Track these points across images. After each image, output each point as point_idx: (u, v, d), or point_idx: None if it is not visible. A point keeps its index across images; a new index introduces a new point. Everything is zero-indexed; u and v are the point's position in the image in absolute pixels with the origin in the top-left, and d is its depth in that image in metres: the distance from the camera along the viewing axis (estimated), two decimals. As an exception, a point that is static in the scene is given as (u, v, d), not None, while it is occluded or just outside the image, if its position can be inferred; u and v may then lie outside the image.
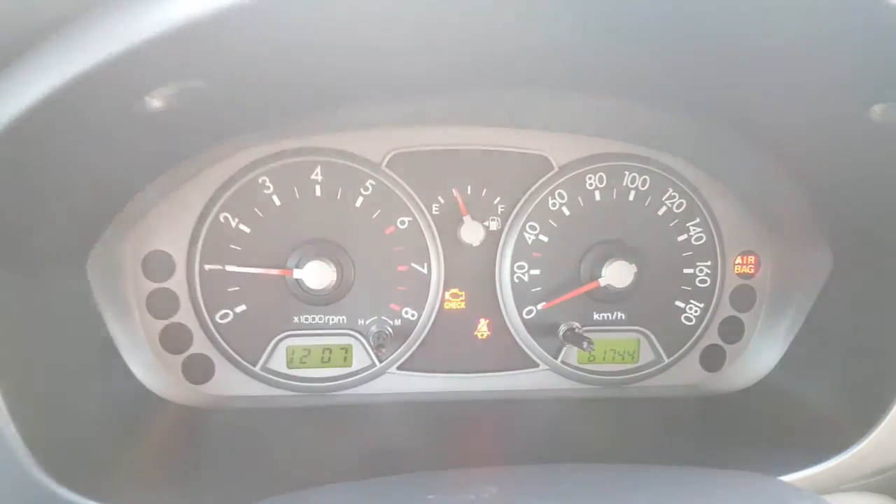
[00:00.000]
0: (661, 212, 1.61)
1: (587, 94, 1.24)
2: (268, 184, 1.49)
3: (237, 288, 1.50)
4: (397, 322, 1.57)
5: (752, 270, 1.66)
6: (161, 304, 1.49)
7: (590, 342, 1.48)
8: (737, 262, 1.65)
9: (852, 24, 0.75)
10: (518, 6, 0.81)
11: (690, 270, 1.63)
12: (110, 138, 0.94)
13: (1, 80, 0.74)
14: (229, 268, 1.48)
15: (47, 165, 0.90)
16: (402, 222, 1.54)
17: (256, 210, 1.49)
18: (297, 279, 1.47)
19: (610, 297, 1.60)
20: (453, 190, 1.56)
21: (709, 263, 1.63)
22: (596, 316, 1.62)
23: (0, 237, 0.97)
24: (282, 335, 1.53)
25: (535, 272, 1.60)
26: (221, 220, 1.48)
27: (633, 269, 1.55)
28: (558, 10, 0.82)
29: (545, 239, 1.59)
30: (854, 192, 1.27)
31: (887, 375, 1.22)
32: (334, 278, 1.47)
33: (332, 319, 1.54)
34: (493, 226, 1.58)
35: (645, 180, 1.60)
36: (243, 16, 0.68)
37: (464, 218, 1.54)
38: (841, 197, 1.33)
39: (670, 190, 1.60)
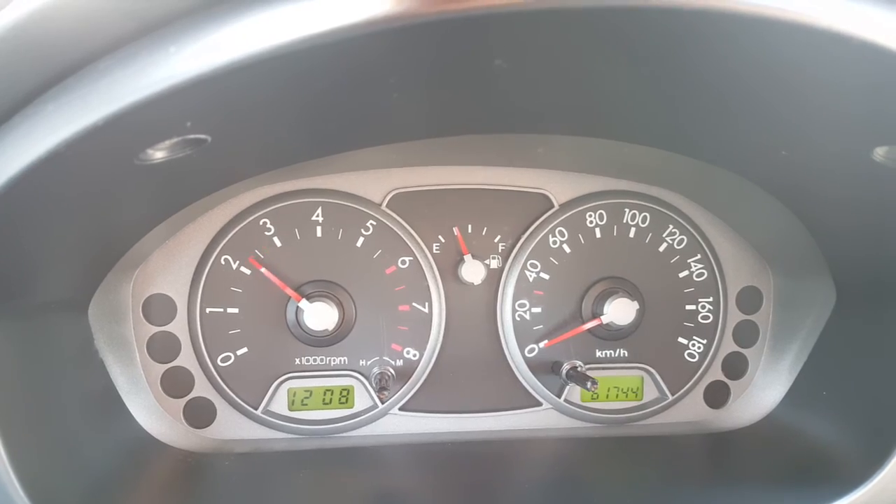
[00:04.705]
0: (661, 248, 1.61)
1: (590, 137, 1.25)
2: (269, 226, 1.49)
3: (238, 330, 1.49)
4: (399, 362, 1.56)
5: (755, 305, 1.66)
6: (162, 347, 1.48)
7: (593, 382, 1.47)
8: (739, 298, 1.65)
9: (855, 68, 0.76)
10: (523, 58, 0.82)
11: (692, 307, 1.63)
12: (113, 190, 0.95)
13: (2, 135, 0.74)
14: (252, 260, 1.47)
15: (49, 219, 0.90)
16: (403, 262, 1.54)
17: (257, 252, 1.49)
18: (298, 320, 1.47)
19: (612, 335, 1.60)
20: (454, 229, 1.56)
21: (711, 300, 1.63)
22: (598, 353, 1.62)
23: (3, 288, 0.96)
24: (283, 377, 1.52)
25: (537, 310, 1.59)
26: (222, 262, 1.48)
27: (635, 306, 1.54)
28: (564, 62, 0.83)
29: (546, 277, 1.59)
30: (857, 231, 1.27)
31: (894, 411, 1.21)
32: (336, 319, 1.46)
33: (334, 361, 1.54)
34: (494, 264, 1.58)
35: (645, 217, 1.60)
36: (246, 72, 0.68)
37: (465, 257, 1.54)
38: (844, 236, 1.33)
39: (671, 226, 1.61)
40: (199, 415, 1.51)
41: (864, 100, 0.85)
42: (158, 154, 0.88)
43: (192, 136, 0.85)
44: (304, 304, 1.44)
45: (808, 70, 0.79)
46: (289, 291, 1.46)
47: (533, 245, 1.57)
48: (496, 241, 1.58)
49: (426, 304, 1.55)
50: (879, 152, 0.95)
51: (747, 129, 1.06)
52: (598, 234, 1.59)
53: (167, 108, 0.72)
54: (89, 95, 0.70)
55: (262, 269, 1.47)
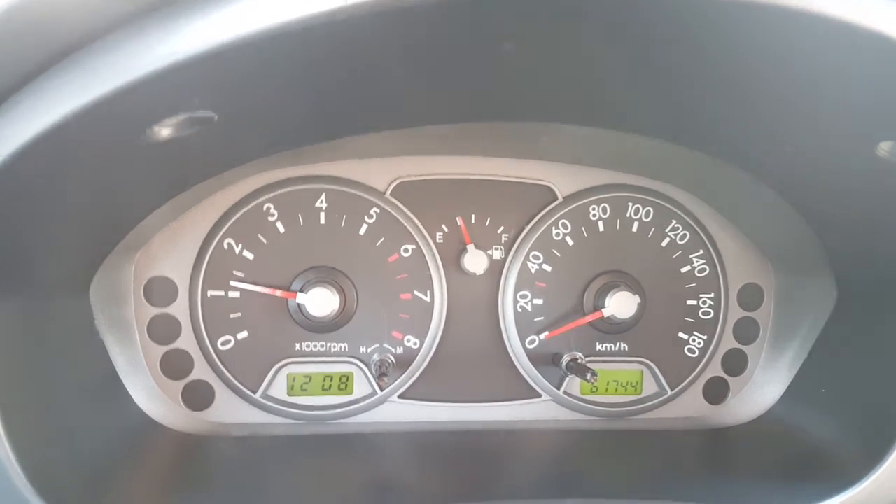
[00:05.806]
0: (664, 243, 1.61)
1: (593, 127, 1.25)
2: (272, 210, 1.49)
3: (239, 314, 1.49)
4: (399, 350, 1.56)
5: (756, 302, 1.66)
6: (162, 329, 1.48)
7: (593, 373, 1.47)
8: (740, 295, 1.65)
9: (860, 62, 0.75)
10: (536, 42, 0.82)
11: (693, 302, 1.63)
12: (117, 167, 0.95)
13: (6, 111, 0.74)
14: (233, 283, 1.48)
15: (52, 196, 0.90)
16: (406, 250, 1.54)
17: (260, 236, 1.49)
18: (299, 305, 1.47)
19: (613, 328, 1.60)
20: (457, 219, 1.56)
21: (712, 295, 1.63)
22: (599, 346, 1.62)
23: (4, 267, 0.96)
24: (283, 362, 1.52)
25: (538, 302, 1.59)
26: (225, 246, 1.48)
27: (636, 299, 1.54)
28: (571, 49, 0.83)
29: (548, 269, 1.59)
30: (860, 228, 1.27)
31: (893, 409, 1.21)
32: (337, 305, 1.46)
33: (334, 347, 1.54)
34: (497, 255, 1.58)
35: (648, 211, 1.60)
36: (252, 49, 0.68)
37: (467, 247, 1.54)
38: (847, 232, 1.32)
39: (673, 221, 1.61)
40: (198, 397, 1.51)
41: (870, 93, 0.85)
42: (164, 131, 0.88)
43: (198, 114, 0.85)
44: (300, 297, 1.45)
45: (815, 62, 0.79)
46: (280, 294, 1.47)
47: (536, 237, 1.57)
48: (499, 231, 1.58)
49: (428, 292, 1.55)
50: (884, 147, 0.95)
51: (752, 124, 1.06)
52: (601, 228, 1.59)
53: (175, 82, 0.72)
54: (98, 69, 0.70)
55: (246, 286, 1.47)
